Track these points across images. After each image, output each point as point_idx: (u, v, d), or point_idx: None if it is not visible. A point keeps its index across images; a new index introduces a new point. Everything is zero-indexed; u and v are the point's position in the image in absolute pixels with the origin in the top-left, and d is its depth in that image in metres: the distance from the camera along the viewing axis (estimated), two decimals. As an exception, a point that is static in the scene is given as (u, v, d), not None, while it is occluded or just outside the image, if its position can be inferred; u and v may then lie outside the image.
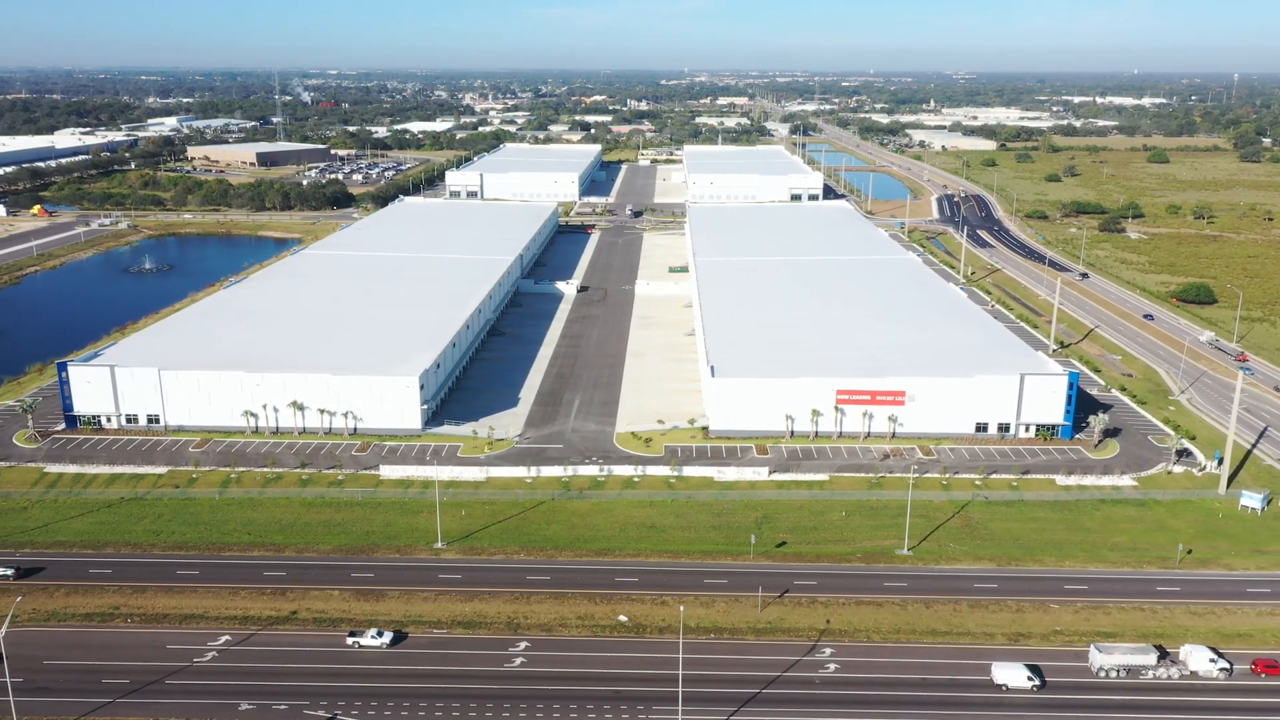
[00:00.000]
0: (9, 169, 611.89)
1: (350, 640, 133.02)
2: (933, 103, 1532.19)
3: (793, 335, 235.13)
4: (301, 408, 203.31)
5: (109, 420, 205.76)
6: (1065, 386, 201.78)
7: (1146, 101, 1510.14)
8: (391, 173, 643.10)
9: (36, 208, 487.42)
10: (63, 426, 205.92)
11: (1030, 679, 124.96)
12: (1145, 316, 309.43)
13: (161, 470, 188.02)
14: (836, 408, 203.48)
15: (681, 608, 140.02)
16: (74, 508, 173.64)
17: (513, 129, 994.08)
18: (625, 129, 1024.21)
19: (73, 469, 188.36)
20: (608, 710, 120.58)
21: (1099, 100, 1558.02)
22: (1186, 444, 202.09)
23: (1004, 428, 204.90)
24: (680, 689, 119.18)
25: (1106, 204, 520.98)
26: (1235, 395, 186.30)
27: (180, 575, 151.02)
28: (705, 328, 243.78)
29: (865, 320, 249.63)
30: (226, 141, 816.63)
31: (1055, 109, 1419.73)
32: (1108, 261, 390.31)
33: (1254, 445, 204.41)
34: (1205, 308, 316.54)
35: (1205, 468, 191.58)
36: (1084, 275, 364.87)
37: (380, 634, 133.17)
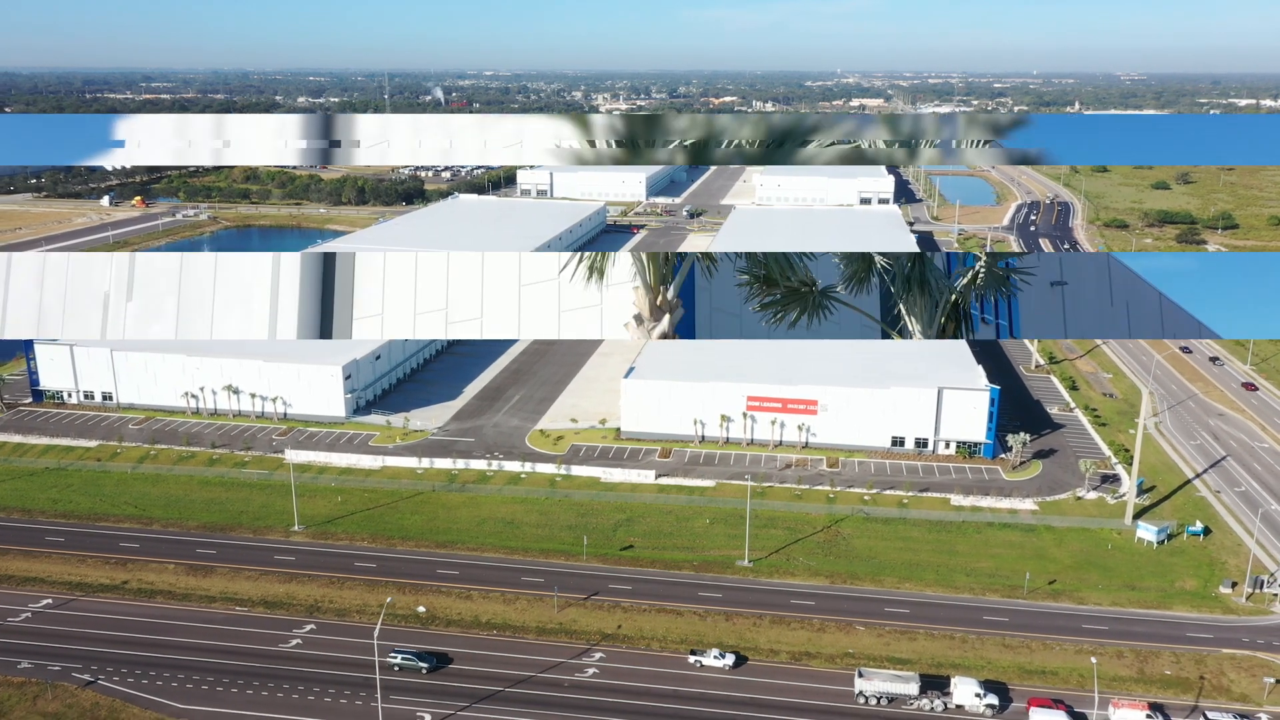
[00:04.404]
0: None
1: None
2: (1077, 104, 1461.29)
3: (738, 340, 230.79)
4: (236, 391, 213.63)
5: (69, 396, 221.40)
6: (986, 403, 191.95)
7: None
8: (480, 170, 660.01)
9: (136, 199, 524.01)
10: (30, 400, 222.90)
11: None
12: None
13: (92, 444, 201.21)
14: (746, 414, 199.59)
15: (389, 598, 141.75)
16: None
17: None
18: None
19: (15, 439, 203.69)
20: (345, 696, 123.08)
21: (1267, 103, 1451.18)
22: (1120, 469, 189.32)
23: (921, 443, 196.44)
24: (378, 676, 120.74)
25: (1201, 214, 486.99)
26: (1140, 417, 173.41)
27: (47, 541, 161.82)
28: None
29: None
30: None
31: (1212, 111, 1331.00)
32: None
33: (1196, 475, 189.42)
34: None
35: (1123, 495, 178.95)
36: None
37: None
